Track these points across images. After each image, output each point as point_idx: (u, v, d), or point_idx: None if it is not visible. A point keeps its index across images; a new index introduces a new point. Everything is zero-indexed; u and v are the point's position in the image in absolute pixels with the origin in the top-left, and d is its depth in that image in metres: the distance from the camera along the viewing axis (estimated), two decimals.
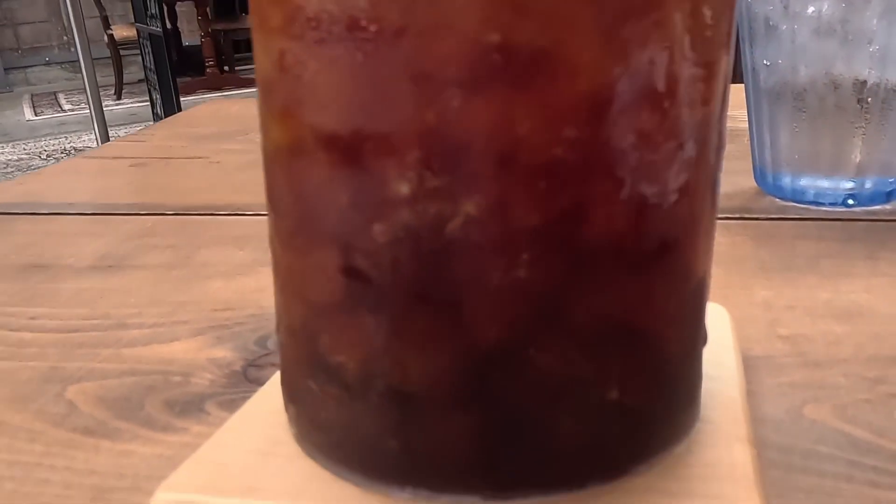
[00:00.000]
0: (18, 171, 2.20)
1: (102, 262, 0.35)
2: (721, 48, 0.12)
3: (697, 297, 0.14)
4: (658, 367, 0.13)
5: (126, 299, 0.30)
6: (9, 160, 2.40)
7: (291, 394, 0.14)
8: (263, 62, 0.12)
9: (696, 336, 0.14)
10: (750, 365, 0.21)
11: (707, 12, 0.11)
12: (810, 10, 0.27)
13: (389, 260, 0.11)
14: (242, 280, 0.30)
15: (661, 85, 0.11)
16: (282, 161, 0.13)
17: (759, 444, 0.16)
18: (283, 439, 0.14)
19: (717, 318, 0.21)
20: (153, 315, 0.29)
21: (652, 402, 0.13)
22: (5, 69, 3.47)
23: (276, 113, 0.13)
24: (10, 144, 2.40)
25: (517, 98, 0.10)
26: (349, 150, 0.11)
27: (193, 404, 0.21)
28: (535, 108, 0.10)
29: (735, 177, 0.36)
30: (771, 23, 0.29)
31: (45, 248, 0.37)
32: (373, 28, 0.10)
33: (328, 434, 0.13)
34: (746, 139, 0.36)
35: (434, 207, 0.11)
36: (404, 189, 0.11)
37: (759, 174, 0.34)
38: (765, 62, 0.30)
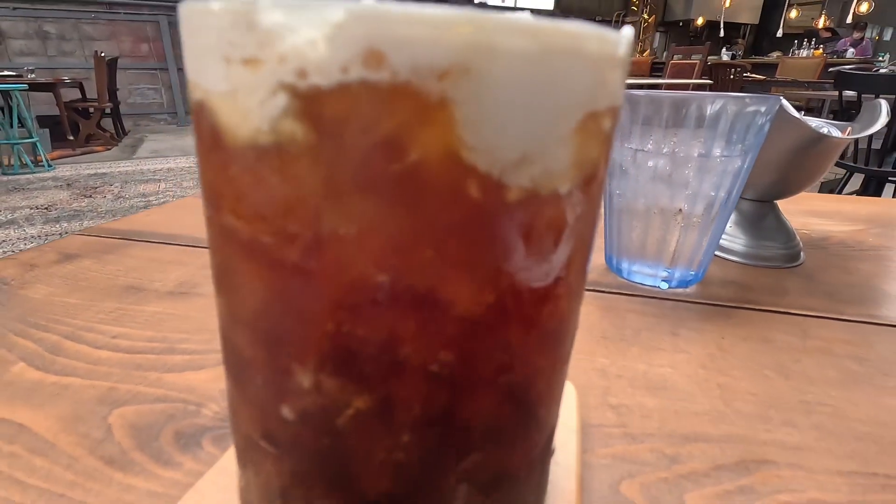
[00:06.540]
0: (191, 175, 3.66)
1: (179, 288, 0.39)
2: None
3: (547, 444, 0.17)
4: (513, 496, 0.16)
5: (183, 325, 0.33)
6: (190, 167, 4.00)
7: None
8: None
9: (545, 472, 0.18)
10: (587, 433, 0.25)
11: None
12: (650, 163, 0.40)
13: (293, 434, 0.14)
14: None
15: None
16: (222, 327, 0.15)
17: None
18: None
19: (567, 396, 0.25)
20: (196, 342, 0.31)
21: None
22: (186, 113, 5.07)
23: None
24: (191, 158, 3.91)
25: (401, 325, 0.12)
26: (268, 346, 0.13)
27: (194, 438, 0.24)
28: (415, 334, 0.12)
29: (594, 255, 0.47)
30: (623, 167, 0.41)
31: (145, 273, 0.42)
32: (288, 262, 0.12)
33: None
34: (603, 233, 0.48)
35: (330, 400, 0.13)
36: (306, 383, 0.13)
37: (608, 258, 0.47)
38: (617, 192, 0.43)
